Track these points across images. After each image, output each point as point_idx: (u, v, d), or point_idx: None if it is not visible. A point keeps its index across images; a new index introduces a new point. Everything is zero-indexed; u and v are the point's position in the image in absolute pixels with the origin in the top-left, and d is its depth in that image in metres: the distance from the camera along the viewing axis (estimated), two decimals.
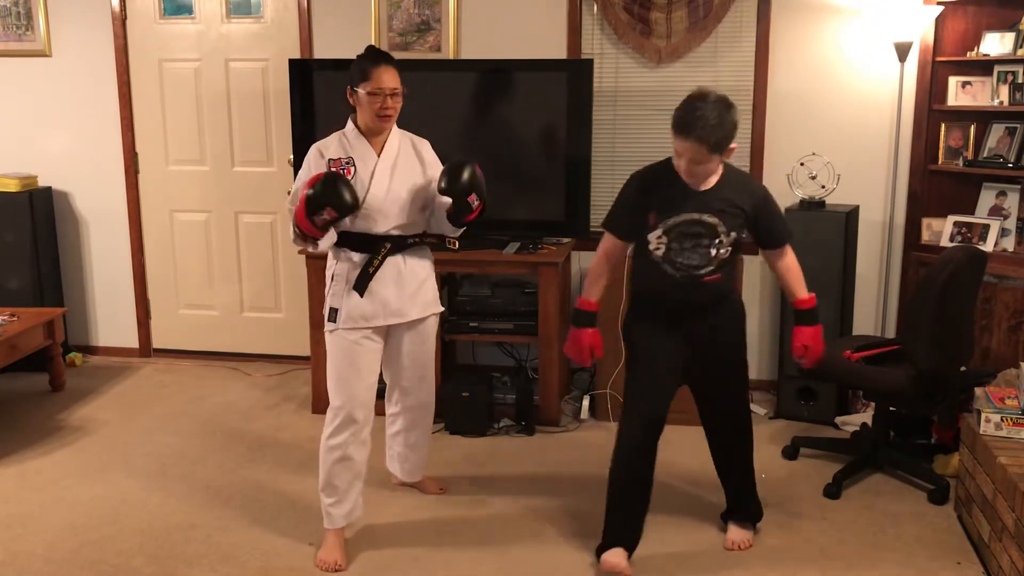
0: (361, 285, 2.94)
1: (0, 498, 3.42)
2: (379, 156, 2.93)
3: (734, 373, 2.97)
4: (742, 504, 3.09)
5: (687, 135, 2.61)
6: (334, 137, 2.96)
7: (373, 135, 2.94)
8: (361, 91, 2.86)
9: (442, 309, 3.20)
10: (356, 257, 2.96)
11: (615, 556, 2.83)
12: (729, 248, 2.76)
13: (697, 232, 2.72)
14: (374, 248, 2.95)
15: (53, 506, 3.35)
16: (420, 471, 3.41)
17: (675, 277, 2.76)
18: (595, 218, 4.05)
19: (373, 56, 2.89)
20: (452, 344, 4.52)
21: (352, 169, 2.90)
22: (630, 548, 2.87)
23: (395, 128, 2.99)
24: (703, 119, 2.58)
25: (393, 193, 2.93)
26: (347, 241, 2.97)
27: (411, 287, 3.02)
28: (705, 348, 2.87)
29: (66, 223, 5.06)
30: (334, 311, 2.96)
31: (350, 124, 2.96)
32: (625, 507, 2.89)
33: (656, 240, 2.75)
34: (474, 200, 2.87)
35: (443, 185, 2.84)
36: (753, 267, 4.40)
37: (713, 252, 2.73)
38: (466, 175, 2.83)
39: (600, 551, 2.88)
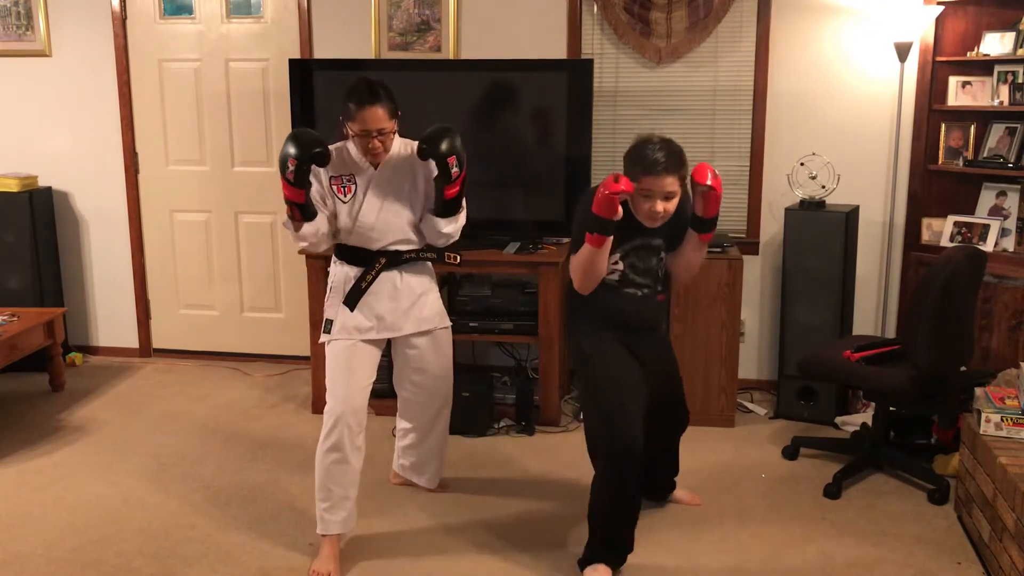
0: (352, 300, 2.95)
1: (0, 498, 3.42)
2: (375, 173, 2.93)
3: (678, 379, 3.17)
4: (672, 479, 3.33)
5: (664, 172, 2.67)
6: (335, 152, 2.91)
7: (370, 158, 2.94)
8: (349, 130, 2.85)
9: (447, 324, 3.17)
10: (351, 271, 2.97)
11: (600, 574, 2.82)
12: (665, 265, 2.96)
13: (647, 255, 2.87)
14: (369, 263, 2.96)
15: (53, 506, 3.35)
16: (436, 479, 3.41)
17: (636, 296, 2.89)
18: None
19: (359, 96, 2.77)
20: (452, 344, 4.51)
21: (353, 187, 2.91)
22: (614, 566, 2.85)
23: (397, 139, 2.95)
24: (667, 153, 2.68)
25: (385, 212, 2.93)
26: (344, 254, 2.99)
27: (406, 302, 3.02)
28: (657, 361, 3.01)
29: (66, 223, 5.06)
30: (329, 322, 2.98)
31: (351, 142, 2.93)
32: (611, 532, 2.84)
33: (611, 265, 2.84)
34: (453, 163, 2.79)
35: (424, 146, 2.79)
36: (753, 266, 4.40)
37: (659, 273, 2.93)
38: (447, 137, 2.79)
39: (583, 564, 2.86)
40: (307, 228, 2.84)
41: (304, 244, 2.91)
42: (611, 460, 2.77)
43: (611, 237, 2.68)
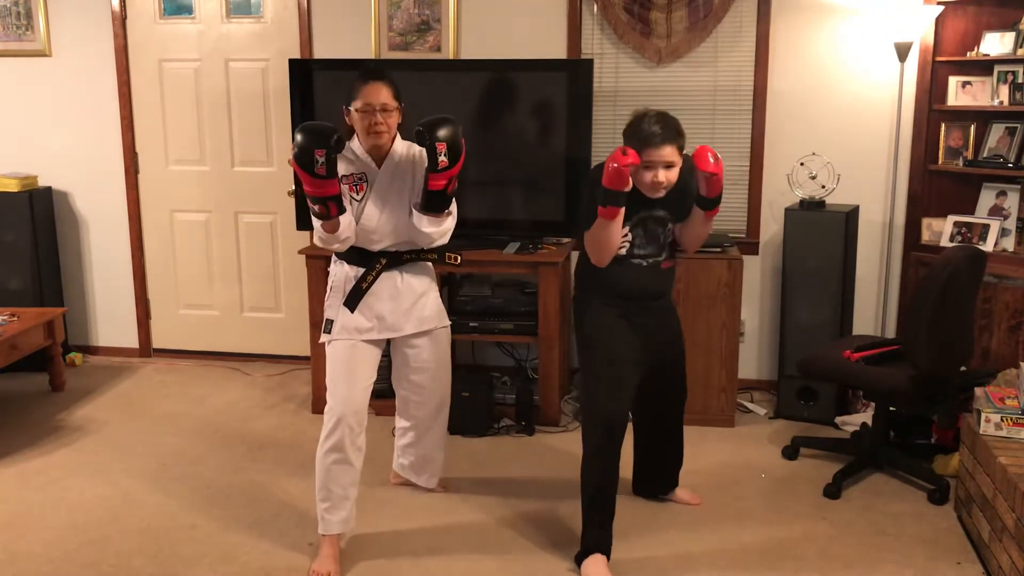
0: (353, 301, 2.94)
1: (0, 498, 3.42)
2: (378, 173, 2.91)
3: (682, 355, 3.22)
4: (678, 468, 3.35)
5: (662, 143, 2.74)
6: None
7: (374, 152, 2.92)
8: (353, 109, 2.84)
9: (447, 324, 3.17)
10: (352, 271, 2.96)
11: (599, 566, 2.84)
12: (671, 235, 2.99)
13: (653, 226, 2.92)
14: (369, 263, 2.95)
15: (53, 506, 3.35)
16: (435, 478, 3.41)
17: (642, 266, 2.94)
18: None
19: (364, 73, 2.84)
20: (452, 344, 4.51)
21: (364, 185, 2.89)
22: (609, 553, 2.88)
23: (399, 142, 2.94)
24: (664, 124, 2.75)
25: (387, 214, 2.91)
26: (344, 254, 2.97)
27: (407, 302, 3.01)
28: (660, 333, 3.06)
29: (66, 223, 5.07)
30: (330, 322, 2.96)
31: (356, 140, 2.92)
32: (602, 512, 2.89)
33: (621, 238, 2.88)
34: (442, 151, 2.73)
35: (419, 128, 2.76)
36: (753, 266, 4.40)
37: (662, 240, 2.96)
38: (444, 126, 2.75)
39: (580, 558, 2.88)
40: (344, 220, 2.78)
41: (337, 245, 2.84)
42: (597, 434, 2.86)
43: (623, 208, 2.74)
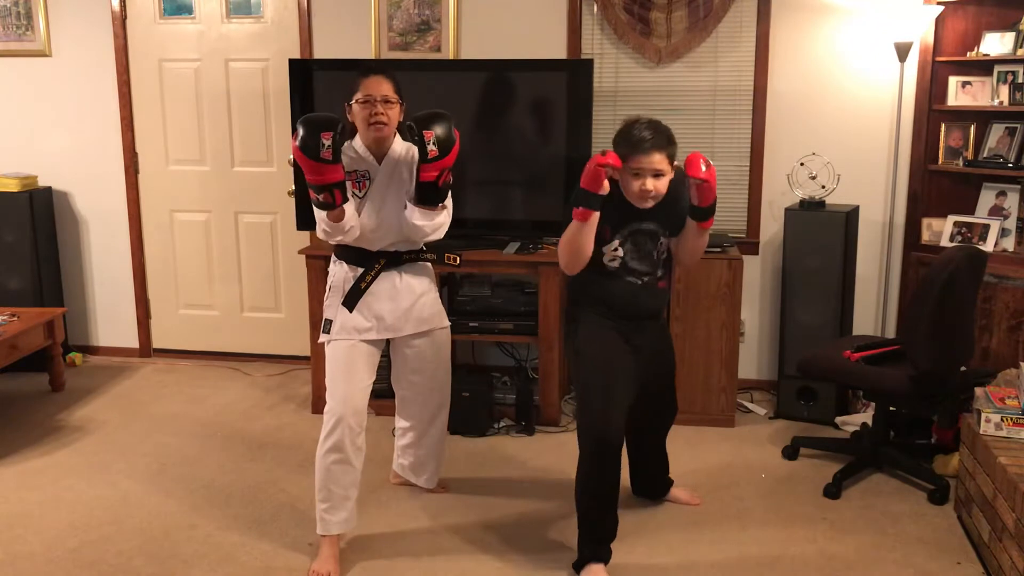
0: (351, 301, 2.94)
1: (0, 498, 3.42)
2: (379, 169, 2.91)
3: (673, 369, 3.20)
4: (665, 472, 3.34)
5: (651, 149, 2.69)
6: (343, 151, 2.89)
7: (374, 151, 2.91)
8: (354, 102, 2.83)
9: (446, 325, 3.17)
10: (351, 271, 2.96)
11: (599, 574, 2.82)
12: (666, 251, 2.93)
13: (643, 240, 2.86)
14: (368, 263, 2.95)
15: (53, 506, 3.35)
16: (435, 478, 3.41)
17: (636, 284, 2.88)
18: None
19: (364, 67, 2.86)
20: (452, 344, 4.51)
21: (367, 182, 2.88)
22: (607, 560, 2.86)
23: (399, 142, 2.94)
24: (654, 131, 2.71)
25: (385, 211, 2.91)
26: (344, 254, 2.98)
27: (406, 303, 3.01)
28: (654, 351, 3.03)
29: (66, 223, 5.07)
30: (328, 322, 2.97)
31: (357, 139, 2.92)
32: (597, 527, 2.85)
33: (611, 252, 2.84)
34: (430, 139, 2.72)
35: (410, 122, 2.78)
36: (753, 266, 4.40)
37: (655, 256, 2.90)
38: (435, 119, 2.75)
39: (577, 567, 2.86)
40: (348, 209, 2.78)
41: (341, 236, 2.84)
42: (590, 450, 2.81)
43: (597, 213, 2.68)
